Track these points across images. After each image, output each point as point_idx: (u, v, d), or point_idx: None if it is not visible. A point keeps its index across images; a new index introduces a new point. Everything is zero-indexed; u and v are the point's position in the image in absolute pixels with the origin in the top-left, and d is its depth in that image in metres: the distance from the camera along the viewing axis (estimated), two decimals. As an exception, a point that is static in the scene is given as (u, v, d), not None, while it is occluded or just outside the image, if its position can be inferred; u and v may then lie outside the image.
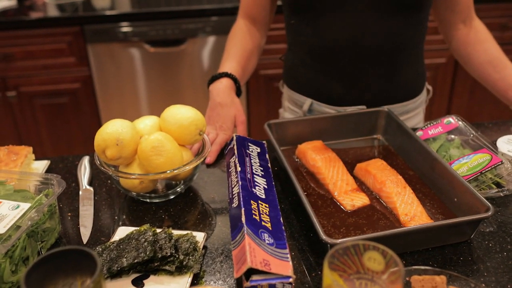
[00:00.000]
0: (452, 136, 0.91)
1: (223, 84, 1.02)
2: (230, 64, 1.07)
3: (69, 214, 0.81)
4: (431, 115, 2.31)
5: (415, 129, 0.95)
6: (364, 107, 1.06)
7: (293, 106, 1.17)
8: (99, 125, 2.15)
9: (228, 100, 1.00)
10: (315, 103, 1.11)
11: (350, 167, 0.88)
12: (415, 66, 1.10)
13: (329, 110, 1.09)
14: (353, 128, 0.98)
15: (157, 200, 0.83)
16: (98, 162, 0.79)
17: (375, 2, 0.96)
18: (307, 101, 1.11)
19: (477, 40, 1.09)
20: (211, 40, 2.06)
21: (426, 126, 0.93)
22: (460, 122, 0.92)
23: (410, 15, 1.00)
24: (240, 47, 1.12)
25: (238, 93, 1.05)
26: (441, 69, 2.28)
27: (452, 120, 0.92)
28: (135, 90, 2.11)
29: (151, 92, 2.13)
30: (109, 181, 0.90)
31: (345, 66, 1.03)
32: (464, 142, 0.88)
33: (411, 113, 1.12)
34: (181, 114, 0.81)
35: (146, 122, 0.82)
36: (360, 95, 1.06)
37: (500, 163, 0.79)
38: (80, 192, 0.85)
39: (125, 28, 1.99)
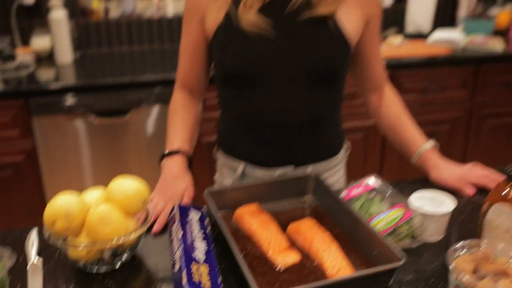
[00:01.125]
0: (373, 195, 1.02)
1: (176, 161, 1.12)
2: (178, 139, 1.17)
3: (19, 286, 0.85)
4: (364, 173, 2.46)
5: (339, 190, 1.06)
6: (292, 167, 1.17)
7: (228, 170, 1.26)
8: (42, 198, 2.15)
9: (181, 175, 1.10)
10: (248, 167, 1.20)
11: (283, 227, 0.96)
12: (334, 129, 1.23)
13: (262, 172, 1.19)
14: (286, 191, 1.08)
15: (103, 270, 0.88)
16: (47, 235, 0.84)
17: (297, 78, 1.09)
18: (241, 165, 1.21)
19: (386, 105, 1.25)
20: (155, 110, 2.15)
21: (349, 187, 1.04)
22: (379, 182, 1.03)
23: (327, 88, 1.14)
24: (184, 121, 1.21)
25: (188, 167, 1.14)
26: (372, 130, 2.47)
27: (371, 181, 1.04)
28: (80, 161, 2.14)
29: (95, 162, 2.17)
30: (56, 253, 0.94)
31: (274, 133, 1.15)
32: (383, 200, 1.00)
33: (334, 169, 1.25)
34: (126, 185, 0.88)
35: (93, 194, 0.89)
36: (288, 157, 1.17)
37: (411, 217, 0.91)
38: (29, 265, 0.89)
39: (70, 100, 2.05)
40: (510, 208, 0.85)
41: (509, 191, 0.86)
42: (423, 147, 1.20)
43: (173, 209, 0.95)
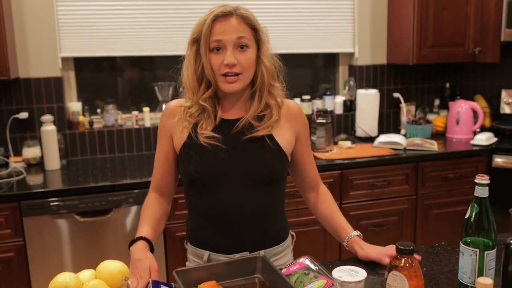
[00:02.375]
0: (306, 270, 1.30)
1: (140, 246, 1.36)
2: (145, 229, 1.42)
3: None
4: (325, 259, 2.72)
5: (281, 268, 1.33)
6: (247, 253, 1.44)
7: (196, 258, 1.51)
8: (28, 291, 2.34)
9: (143, 256, 1.33)
10: (212, 254, 1.45)
11: (235, 298, 1.22)
12: (279, 220, 1.51)
13: (222, 258, 1.44)
14: (240, 270, 1.34)
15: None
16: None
17: (246, 181, 1.39)
18: (206, 253, 1.46)
19: (321, 201, 1.58)
20: (133, 209, 2.42)
21: (288, 265, 1.32)
22: (310, 261, 1.32)
23: (270, 188, 1.43)
24: (152, 215, 1.47)
25: (152, 250, 1.39)
26: (328, 223, 2.76)
27: (305, 261, 1.32)
28: (64, 256, 2.36)
29: (79, 256, 2.38)
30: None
31: (230, 226, 1.42)
32: (312, 273, 1.27)
33: (281, 254, 1.51)
34: (111, 265, 1.15)
35: (86, 274, 1.15)
36: (243, 245, 1.44)
37: (331, 285, 1.18)
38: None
39: (57, 202, 2.32)
40: (401, 274, 1.14)
41: (400, 261, 1.15)
42: (351, 234, 1.53)
43: (147, 284, 1.21)
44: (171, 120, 1.44)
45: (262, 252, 1.42)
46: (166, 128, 1.46)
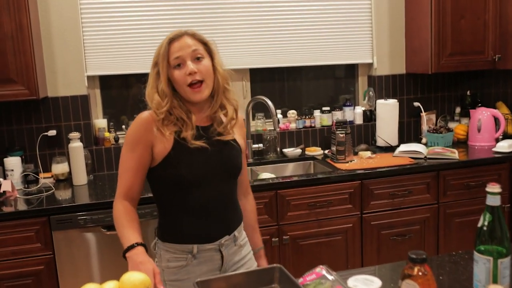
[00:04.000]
0: (323, 280, 1.33)
1: (140, 250, 1.46)
2: (135, 235, 1.51)
3: None
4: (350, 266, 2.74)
5: (298, 278, 1.37)
6: (227, 236, 1.64)
7: (180, 255, 1.60)
8: (59, 303, 2.42)
9: (146, 259, 1.43)
10: (200, 246, 1.59)
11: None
12: (238, 205, 1.77)
13: (209, 246, 1.61)
14: (258, 280, 1.38)
15: None
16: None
17: (223, 175, 1.64)
18: (194, 247, 1.59)
19: (249, 210, 1.85)
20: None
21: (305, 275, 1.36)
22: (325, 270, 1.35)
23: (235, 180, 1.72)
24: (130, 222, 1.55)
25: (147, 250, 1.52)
26: (350, 232, 2.78)
27: (321, 270, 1.36)
28: (92, 268, 2.44)
29: (106, 268, 2.46)
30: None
31: (214, 215, 1.62)
32: (329, 283, 1.31)
33: (242, 228, 1.76)
34: (134, 277, 1.21)
35: (110, 285, 1.21)
36: (224, 230, 1.65)
37: (346, 293, 1.22)
38: None
39: (84, 216, 2.40)
40: (414, 283, 1.16)
41: (413, 270, 1.17)
42: (259, 247, 1.85)
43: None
44: (149, 130, 1.56)
45: (236, 232, 1.68)
46: (143, 137, 1.56)
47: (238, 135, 1.72)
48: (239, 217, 1.74)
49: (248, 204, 1.86)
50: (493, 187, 1.23)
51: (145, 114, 1.59)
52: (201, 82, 1.56)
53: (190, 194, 1.58)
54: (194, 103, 1.61)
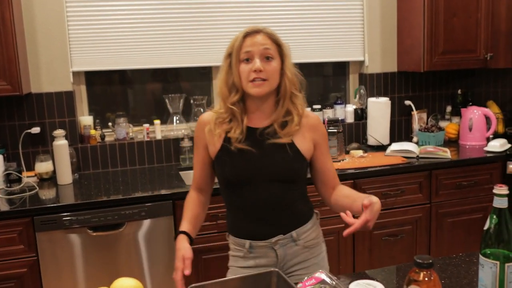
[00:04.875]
0: (323, 285, 1.28)
1: (180, 238, 1.58)
2: (185, 224, 1.64)
3: None
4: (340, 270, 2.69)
5: (296, 283, 1.31)
6: (281, 235, 1.63)
7: (238, 247, 1.68)
8: (42, 306, 2.33)
9: (180, 246, 1.55)
10: (252, 242, 1.64)
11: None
12: (303, 206, 1.70)
13: (262, 243, 1.63)
14: (255, 285, 1.33)
15: None
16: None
17: (272, 180, 1.59)
18: (247, 242, 1.64)
19: (338, 189, 1.71)
20: (146, 223, 2.42)
21: (304, 279, 1.30)
22: (325, 275, 1.30)
23: (292, 184, 1.63)
24: (191, 212, 1.69)
25: (191, 241, 1.59)
26: (342, 232, 2.73)
27: (321, 274, 1.30)
28: (77, 271, 2.36)
29: (92, 271, 2.38)
30: None
31: (263, 216, 1.62)
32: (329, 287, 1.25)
33: (310, 231, 1.70)
34: (126, 284, 1.14)
35: (100, 292, 1.14)
36: (277, 230, 1.64)
37: (348, 300, 1.16)
38: None
39: (70, 216, 2.32)
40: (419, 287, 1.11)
41: (418, 275, 1.13)
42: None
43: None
44: (202, 131, 1.66)
45: (294, 233, 1.64)
46: (200, 139, 1.69)
47: (303, 138, 1.63)
48: (301, 219, 1.68)
49: (338, 189, 1.70)
50: (501, 189, 1.18)
51: (203, 115, 1.70)
52: (264, 80, 1.55)
53: (238, 194, 1.63)
54: (255, 102, 1.61)
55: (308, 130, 1.65)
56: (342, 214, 1.43)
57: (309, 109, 3.30)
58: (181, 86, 3.30)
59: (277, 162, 1.59)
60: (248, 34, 1.57)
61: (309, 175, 1.72)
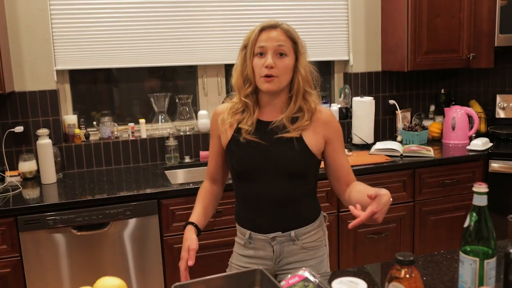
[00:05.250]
0: (306, 283, 1.29)
1: (187, 228, 1.65)
2: (194, 215, 1.70)
3: None
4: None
5: (280, 281, 1.32)
6: (280, 233, 1.65)
7: (241, 235, 1.74)
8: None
9: (187, 237, 1.62)
10: (252, 233, 1.68)
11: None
12: (309, 205, 1.71)
13: (261, 236, 1.67)
14: (238, 283, 1.33)
15: None
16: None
17: (278, 174, 1.61)
18: (247, 232, 1.69)
19: (353, 185, 1.66)
20: (131, 222, 2.41)
21: (287, 277, 1.31)
22: (308, 272, 1.31)
23: (299, 180, 1.64)
24: (202, 203, 1.75)
25: (199, 232, 1.66)
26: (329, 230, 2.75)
27: (304, 272, 1.31)
28: (61, 271, 2.34)
29: (76, 271, 2.37)
30: None
31: (266, 209, 1.65)
32: (313, 286, 1.26)
33: (311, 232, 1.70)
34: (109, 283, 1.14)
35: (83, 291, 1.14)
36: (277, 226, 1.66)
37: (331, 297, 1.17)
38: None
39: (54, 216, 2.30)
40: (401, 285, 1.13)
41: (400, 272, 1.14)
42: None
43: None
44: (216, 122, 1.71)
45: (293, 232, 1.65)
46: (214, 129, 1.74)
47: (313, 134, 1.62)
48: (303, 219, 1.68)
49: (353, 186, 1.64)
50: (480, 187, 1.20)
51: (219, 107, 1.75)
52: (273, 77, 1.56)
53: (245, 185, 1.67)
54: (267, 96, 1.63)
55: (320, 125, 1.64)
56: (351, 206, 1.41)
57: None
58: (166, 85, 3.29)
59: (282, 156, 1.60)
60: (264, 29, 1.58)
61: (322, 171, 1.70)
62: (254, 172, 1.63)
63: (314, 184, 1.73)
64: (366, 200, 1.43)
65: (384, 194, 1.38)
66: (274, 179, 1.62)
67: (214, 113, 1.74)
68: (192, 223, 1.66)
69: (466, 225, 1.24)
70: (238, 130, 1.64)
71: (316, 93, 1.67)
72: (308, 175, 1.66)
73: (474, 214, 1.22)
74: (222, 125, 1.68)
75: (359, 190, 1.59)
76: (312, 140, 1.62)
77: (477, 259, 1.20)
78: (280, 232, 1.66)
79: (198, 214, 1.71)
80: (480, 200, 1.21)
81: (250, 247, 1.71)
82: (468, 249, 1.22)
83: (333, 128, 1.66)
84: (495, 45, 3.19)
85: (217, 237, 2.55)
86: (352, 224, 1.38)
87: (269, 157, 1.61)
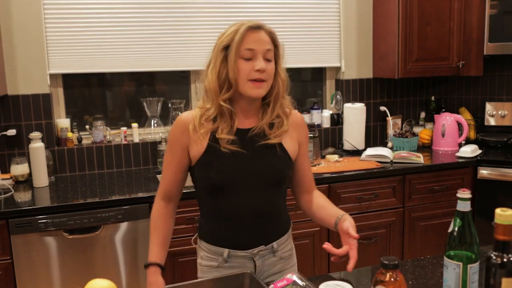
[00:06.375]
0: (294, 286, 1.31)
1: (152, 271, 1.54)
2: (155, 251, 1.57)
3: None
4: (314, 272, 2.73)
5: (269, 283, 1.35)
6: (263, 246, 1.56)
7: (212, 255, 1.58)
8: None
9: (152, 281, 1.53)
10: (231, 251, 1.55)
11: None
12: (284, 213, 1.66)
13: (241, 253, 1.55)
14: (228, 286, 1.36)
15: None
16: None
17: (260, 183, 1.52)
18: (225, 251, 1.55)
19: (314, 198, 1.69)
20: (123, 225, 2.42)
21: (275, 281, 1.34)
22: (296, 276, 1.33)
23: (279, 188, 1.58)
24: (160, 231, 1.60)
25: (163, 269, 1.56)
26: (317, 235, 2.78)
27: (292, 276, 1.34)
28: (53, 274, 2.35)
29: (68, 274, 2.37)
30: None
31: (248, 223, 1.55)
32: (300, 289, 1.29)
33: (287, 240, 1.66)
34: (99, 285, 1.15)
35: (74, 293, 1.15)
36: (259, 240, 1.57)
37: (318, 300, 1.20)
38: None
39: (45, 219, 2.31)
40: (386, 288, 1.16)
41: (385, 276, 1.17)
42: (339, 216, 1.54)
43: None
44: (185, 131, 1.52)
45: (275, 244, 1.58)
46: (180, 139, 1.54)
47: (290, 138, 1.58)
48: (282, 229, 1.63)
49: (313, 198, 1.68)
50: (464, 193, 1.23)
51: (184, 114, 1.56)
52: (263, 81, 1.48)
53: (223, 199, 1.53)
54: (245, 102, 1.53)
55: (294, 129, 1.60)
56: (327, 247, 1.45)
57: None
58: (159, 89, 3.31)
59: (266, 164, 1.52)
60: (251, 29, 1.46)
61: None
62: (234, 184, 1.50)
63: (286, 191, 1.68)
64: (329, 219, 1.57)
65: (350, 223, 1.49)
66: (255, 189, 1.52)
67: (179, 122, 1.55)
68: (154, 264, 1.55)
69: (450, 230, 1.27)
70: (214, 140, 1.50)
71: (289, 98, 1.62)
72: (286, 181, 1.62)
73: (458, 220, 1.25)
74: (194, 134, 1.50)
75: (322, 207, 1.64)
76: (291, 145, 1.59)
77: (461, 263, 1.23)
78: (263, 246, 1.56)
79: (158, 250, 1.57)
80: (464, 206, 1.24)
81: (226, 267, 1.55)
82: (452, 253, 1.25)
83: (304, 132, 1.65)
84: (484, 53, 3.24)
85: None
86: (351, 267, 1.42)
87: (255, 167, 1.51)
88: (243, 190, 1.51)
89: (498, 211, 1.13)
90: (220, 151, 1.49)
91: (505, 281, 1.14)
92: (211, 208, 1.58)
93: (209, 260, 1.59)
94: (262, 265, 1.58)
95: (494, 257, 1.15)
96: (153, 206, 1.63)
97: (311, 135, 2.97)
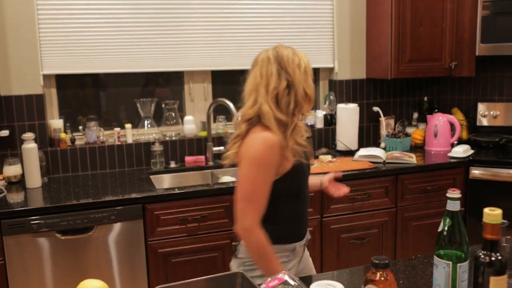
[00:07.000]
0: (286, 286, 1.32)
1: None
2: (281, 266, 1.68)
3: None
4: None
5: (260, 284, 1.35)
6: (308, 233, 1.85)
7: (281, 253, 1.71)
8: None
9: None
10: (296, 244, 1.76)
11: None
12: None
13: (302, 243, 1.79)
14: (220, 286, 1.36)
15: None
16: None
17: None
18: (293, 245, 1.74)
19: None
20: (116, 226, 2.42)
21: (267, 281, 1.34)
22: (287, 276, 1.34)
23: None
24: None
25: None
26: (312, 235, 2.78)
27: (283, 275, 1.34)
28: (45, 275, 2.35)
29: (60, 275, 2.37)
30: None
31: (306, 216, 1.84)
32: (291, 289, 1.29)
33: None
34: (91, 285, 1.16)
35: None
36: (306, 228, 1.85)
37: (309, 299, 1.20)
38: None
39: (38, 220, 2.31)
40: None
41: (375, 275, 1.18)
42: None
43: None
44: (278, 154, 1.61)
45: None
46: (276, 161, 1.62)
47: None
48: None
49: None
50: (453, 193, 1.25)
51: (273, 138, 1.61)
52: None
53: (295, 202, 1.75)
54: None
55: None
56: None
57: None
58: (153, 90, 3.31)
59: (309, 170, 1.86)
60: None
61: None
62: (305, 187, 1.80)
63: None
64: (315, 184, 2.04)
65: (328, 175, 2.05)
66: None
67: (274, 144, 1.60)
68: None
69: (440, 229, 1.28)
70: (298, 159, 1.71)
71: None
72: None
73: (448, 219, 1.26)
74: (286, 152, 1.64)
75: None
76: None
77: (450, 262, 1.24)
78: (308, 230, 1.86)
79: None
80: (454, 206, 1.26)
81: (291, 260, 1.76)
82: (442, 253, 1.27)
83: None
84: (476, 54, 3.27)
85: (202, 242, 2.57)
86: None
87: (308, 173, 1.83)
88: (306, 191, 1.81)
89: (486, 210, 1.15)
90: (300, 164, 1.70)
91: (493, 280, 1.16)
92: (283, 212, 1.73)
93: (283, 257, 1.73)
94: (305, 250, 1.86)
95: (482, 256, 1.16)
96: (256, 233, 1.62)
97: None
